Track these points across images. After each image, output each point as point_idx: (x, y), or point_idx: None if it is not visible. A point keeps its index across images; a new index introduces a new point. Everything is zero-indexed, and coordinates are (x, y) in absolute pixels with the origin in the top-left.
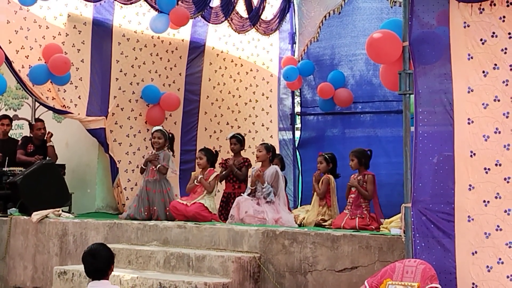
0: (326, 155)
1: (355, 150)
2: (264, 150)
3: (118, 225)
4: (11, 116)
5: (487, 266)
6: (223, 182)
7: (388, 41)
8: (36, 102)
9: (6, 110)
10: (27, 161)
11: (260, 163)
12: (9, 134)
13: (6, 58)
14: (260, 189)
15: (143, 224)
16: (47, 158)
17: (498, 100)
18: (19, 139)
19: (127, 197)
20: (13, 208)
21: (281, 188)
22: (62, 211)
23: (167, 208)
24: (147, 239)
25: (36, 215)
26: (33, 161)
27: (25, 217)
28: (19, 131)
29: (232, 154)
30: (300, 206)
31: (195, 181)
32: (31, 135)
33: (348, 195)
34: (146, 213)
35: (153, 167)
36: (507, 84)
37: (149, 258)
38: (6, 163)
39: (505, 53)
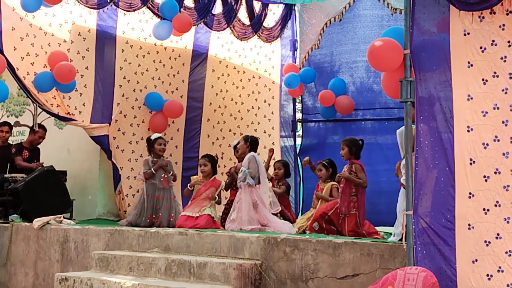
0: (324, 162)
1: (346, 138)
2: (242, 141)
3: (119, 231)
4: (13, 123)
5: (487, 275)
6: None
7: (389, 49)
8: (39, 109)
9: (7, 116)
10: (28, 167)
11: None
12: (11, 141)
13: (9, 64)
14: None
15: (145, 230)
16: None
17: (498, 108)
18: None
19: (128, 204)
20: (15, 215)
21: (261, 173)
22: (64, 217)
23: (172, 215)
24: (149, 246)
25: (38, 222)
26: (34, 168)
27: (26, 223)
28: (21, 137)
29: (237, 160)
30: (301, 213)
31: (189, 186)
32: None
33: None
34: (148, 220)
35: (164, 174)
36: (506, 92)
37: (151, 265)
38: (7, 169)
39: (505, 61)
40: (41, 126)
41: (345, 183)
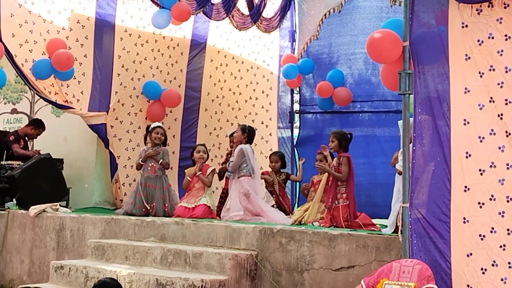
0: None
1: (336, 131)
2: (239, 131)
3: (115, 220)
4: (10, 110)
5: (482, 268)
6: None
7: (389, 41)
8: (36, 96)
9: (5, 103)
10: (25, 155)
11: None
12: (8, 128)
13: (7, 51)
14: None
15: (141, 220)
16: None
17: (493, 102)
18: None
19: (125, 193)
20: (11, 202)
21: (254, 165)
22: (60, 205)
23: (166, 205)
24: (145, 235)
25: (34, 209)
26: (31, 155)
27: (22, 211)
28: (18, 124)
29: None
30: (297, 204)
31: (188, 176)
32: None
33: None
34: (144, 210)
35: (153, 163)
36: (502, 86)
37: (146, 254)
38: (4, 156)
39: (501, 55)
40: (42, 125)
41: (331, 176)
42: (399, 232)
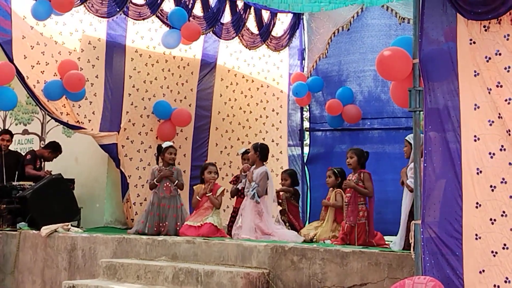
0: (335, 170)
1: (355, 148)
2: (252, 150)
3: (127, 240)
4: (21, 131)
5: (495, 285)
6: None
7: (398, 59)
8: (48, 117)
9: (16, 124)
10: (36, 175)
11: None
12: (19, 149)
13: (19, 73)
14: (249, 188)
15: (152, 239)
16: None
17: (502, 118)
18: (21, 152)
19: (136, 212)
20: (22, 222)
21: (269, 189)
22: (71, 225)
23: (178, 223)
24: (156, 254)
25: (45, 230)
26: (42, 176)
27: (34, 231)
28: (29, 145)
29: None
30: (308, 222)
31: (197, 196)
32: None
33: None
34: (155, 229)
35: (168, 183)
36: (509, 103)
37: (158, 273)
38: (16, 177)
39: (508, 71)
40: (59, 149)
41: (352, 192)
42: (412, 249)
